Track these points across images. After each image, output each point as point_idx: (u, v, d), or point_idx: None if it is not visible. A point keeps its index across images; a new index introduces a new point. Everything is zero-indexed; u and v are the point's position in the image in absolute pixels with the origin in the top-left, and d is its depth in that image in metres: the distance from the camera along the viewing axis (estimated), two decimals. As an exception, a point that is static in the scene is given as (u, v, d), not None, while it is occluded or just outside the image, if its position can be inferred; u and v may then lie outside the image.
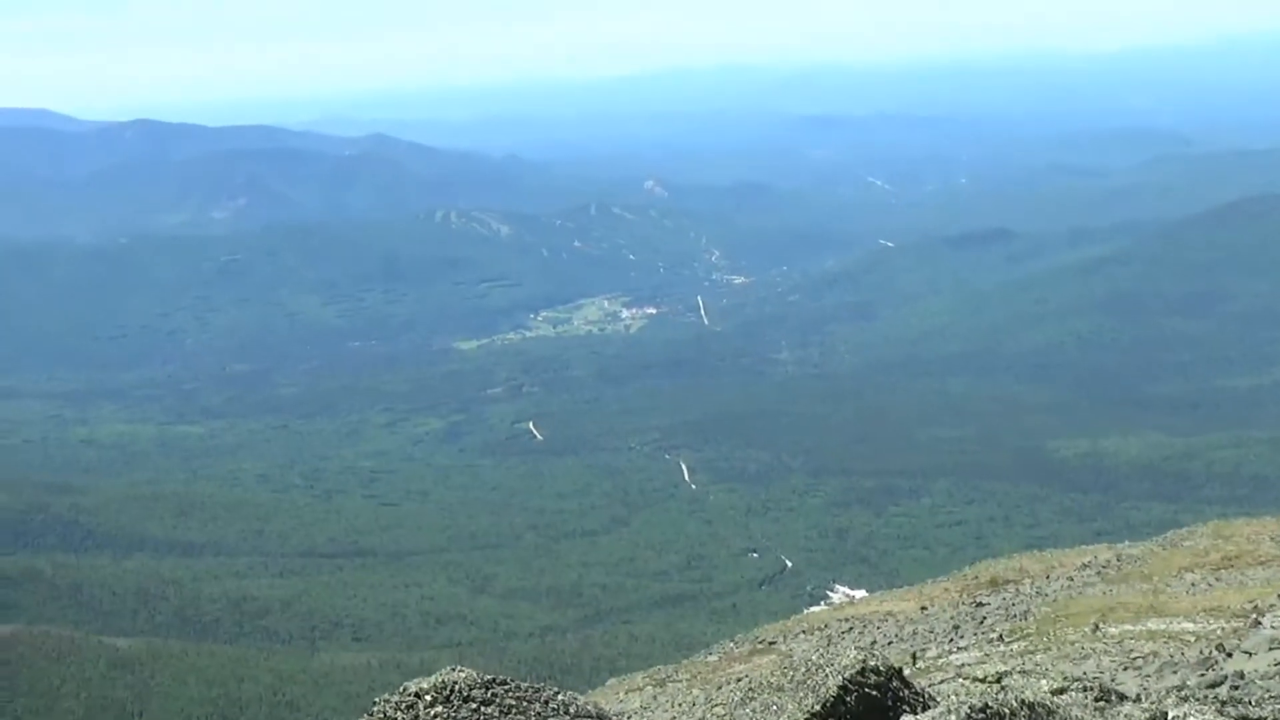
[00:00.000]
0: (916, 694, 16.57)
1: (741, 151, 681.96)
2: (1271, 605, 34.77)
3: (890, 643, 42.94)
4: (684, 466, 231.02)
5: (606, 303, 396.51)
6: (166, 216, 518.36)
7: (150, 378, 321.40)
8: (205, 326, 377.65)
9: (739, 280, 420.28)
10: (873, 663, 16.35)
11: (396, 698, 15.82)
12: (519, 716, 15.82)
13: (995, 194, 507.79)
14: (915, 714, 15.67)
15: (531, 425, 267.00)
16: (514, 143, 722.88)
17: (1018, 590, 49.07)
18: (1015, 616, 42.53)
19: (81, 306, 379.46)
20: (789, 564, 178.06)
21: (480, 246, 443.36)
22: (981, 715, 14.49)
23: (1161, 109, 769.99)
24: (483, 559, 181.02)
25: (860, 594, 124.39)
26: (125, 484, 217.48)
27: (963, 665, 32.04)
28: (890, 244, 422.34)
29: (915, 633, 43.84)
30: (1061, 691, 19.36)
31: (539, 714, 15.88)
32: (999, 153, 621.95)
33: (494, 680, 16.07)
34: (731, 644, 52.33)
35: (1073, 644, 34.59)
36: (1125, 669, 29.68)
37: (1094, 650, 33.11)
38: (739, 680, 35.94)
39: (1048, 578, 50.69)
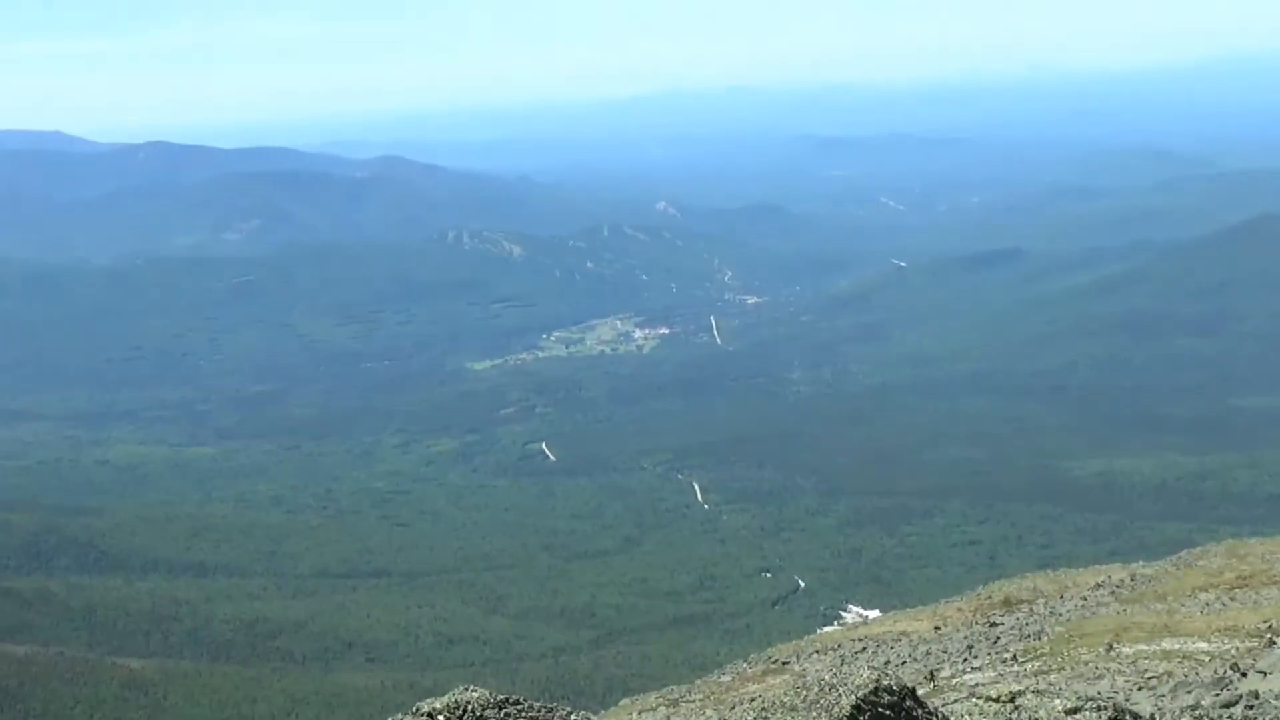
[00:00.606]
0: (930, 713, 16.57)
1: (754, 172, 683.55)
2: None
3: (904, 662, 42.88)
4: (697, 487, 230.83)
5: (619, 323, 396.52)
6: (180, 238, 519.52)
7: (164, 399, 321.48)
8: (219, 348, 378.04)
9: (752, 300, 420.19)
10: (886, 682, 16.36)
11: (410, 718, 15.84)
12: (532, 736, 15.82)
13: (1008, 214, 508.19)
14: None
15: (544, 446, 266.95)
16: (526, 164, 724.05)
17: (1031, 610, 49.01)
18: (1029, 636, 42.46)
19: (95, 328, 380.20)
20: (802, 584, 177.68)
21: (493, 267, 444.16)
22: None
23: (1174, 129, 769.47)
24: (495, 579, 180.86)
25: (874, 614, 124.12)
26: (138, 505, 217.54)
27: (976, 685, 31.92)
28: (903, 264, 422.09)
29: (929, 652, 43.78)
30: (1075, 711, 19.33)
31: (552, 733, 15.88)
32: (1011, 173, 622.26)
33: (507, 700, 16.11)
34: (745, 664, 52.26)
35: (1087, 664, 34.53)
36: (1140, 689, 29.63)
37: (1108, 670, 33.04)
38: (752, 700, 35.80)
39: (1061, 597, 50.63)
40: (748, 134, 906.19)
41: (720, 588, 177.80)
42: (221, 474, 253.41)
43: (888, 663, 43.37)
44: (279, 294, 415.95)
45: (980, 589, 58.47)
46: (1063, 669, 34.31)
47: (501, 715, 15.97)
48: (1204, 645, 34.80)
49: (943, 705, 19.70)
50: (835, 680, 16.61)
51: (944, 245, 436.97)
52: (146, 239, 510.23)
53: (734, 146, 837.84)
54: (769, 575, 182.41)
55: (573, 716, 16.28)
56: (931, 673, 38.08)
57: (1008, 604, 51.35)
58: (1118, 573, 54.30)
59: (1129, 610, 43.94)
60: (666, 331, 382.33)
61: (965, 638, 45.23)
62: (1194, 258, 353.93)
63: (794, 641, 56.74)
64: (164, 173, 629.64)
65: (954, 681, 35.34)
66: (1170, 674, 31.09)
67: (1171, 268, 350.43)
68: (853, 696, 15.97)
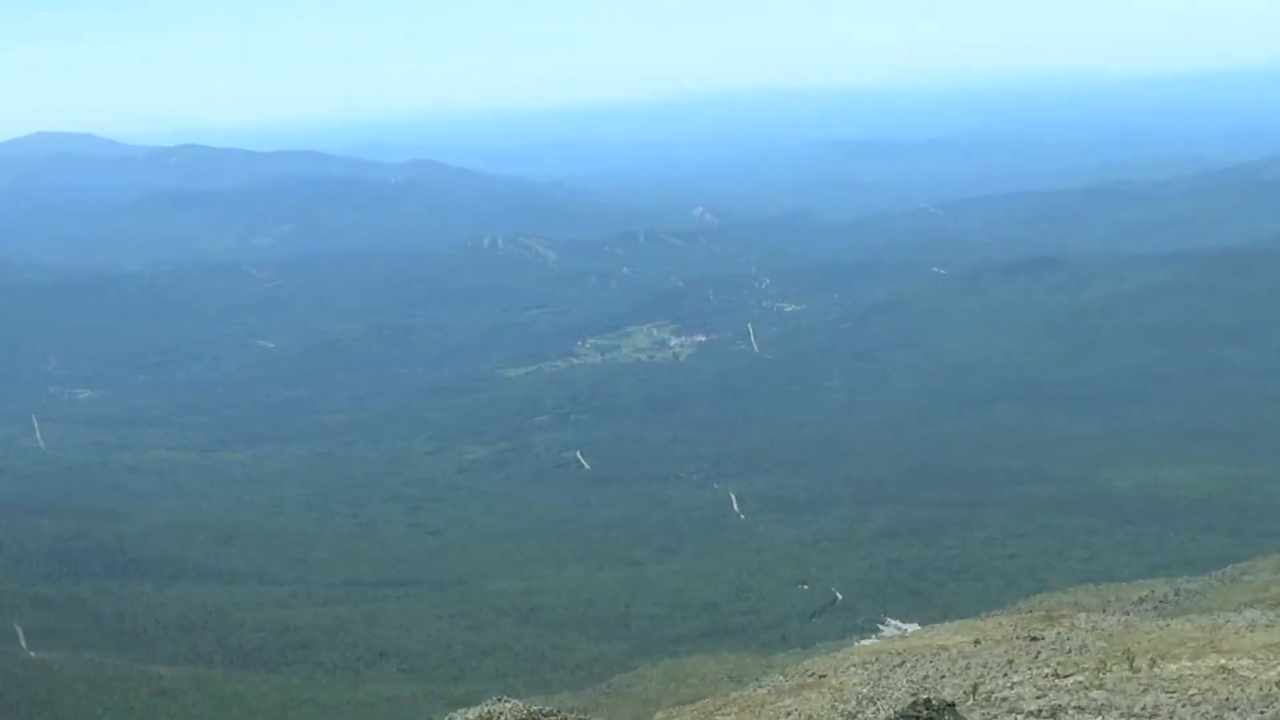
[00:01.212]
0: (973, 735, 15.76)
1: (788, 176, 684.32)
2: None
3: (943, 677, 42.06)
4: (733, 496, 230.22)
5: (655, 330, 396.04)
6: (212, 242, 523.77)
7: (194, 404, 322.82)
8: (249, 353, 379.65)
9: (789, 308, 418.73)
10: (925, 697, 15.73)
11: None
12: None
13: (1046, 221, 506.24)
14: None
15: (579, 454, 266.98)
16: (561, 168, 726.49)
17: (1073, 624, 48.29)
18: (1070, 651, 41.73)
19: (126, 333, 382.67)
20: (839, 596, 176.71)
21: (528, 273, 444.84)
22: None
23: (1213, 135, 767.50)
24: (529, 589, 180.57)
25: (912, 627, 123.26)
26: (168, 511, 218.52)
27: (1017, 700, 31.21)
28: (942, 271, 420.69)
29: (968, 667, 43.01)
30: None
31: (572, 756, 15.24)
32: (1050, 179, 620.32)
33: (540, 712, 15.88)
34: (781, 677, 51.61)
35: (1130, 680, 33.76)
36: (1183, 706, 29.05)
37: (1151, 686, 32.31)
38: (789, 714, 35.19)
39: (1104, 612, 49.96)
40: (784, 138, 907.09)
41: (756, 599, 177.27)
42: (251, 480, 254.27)
43: (926, 677, 42.55)
44: (311, 299, 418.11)
45: (1021, 602, 57.90)
46: (1105, 685, 33.50)
47: (525, 732, 15.35)
48: (1250, 662, 34.03)
49: (985, 725, 18.92)
50: (873, 694, 15.86)
51: (981, 252, 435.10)
52: (178, 243, 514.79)
53: (771, 151, 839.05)
54: (806, 587, 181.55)
55: (596, 735, 15.55)
56: (973, 687, 37.24)
57: (1049, 618, 50.60)
58: (1161, 587, 53.65)
59: (1173, 625, 43.11)
60: (703, 339, 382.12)
61: (1005, 652, 44.50)
62: (1235, 266, 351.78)
63: (831, 654, 55.98)
64: (196, 176, 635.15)
65: (994, 697, 34.51)
66: (1214, 691, 30.50)
67: (1212, 276, 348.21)
68: (891, 711, 15.23)
